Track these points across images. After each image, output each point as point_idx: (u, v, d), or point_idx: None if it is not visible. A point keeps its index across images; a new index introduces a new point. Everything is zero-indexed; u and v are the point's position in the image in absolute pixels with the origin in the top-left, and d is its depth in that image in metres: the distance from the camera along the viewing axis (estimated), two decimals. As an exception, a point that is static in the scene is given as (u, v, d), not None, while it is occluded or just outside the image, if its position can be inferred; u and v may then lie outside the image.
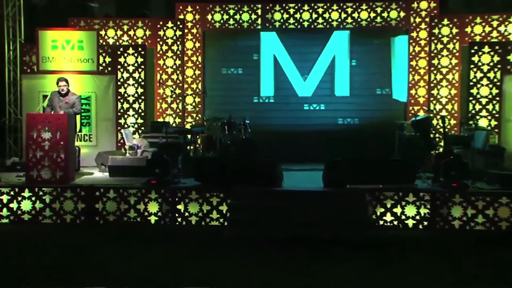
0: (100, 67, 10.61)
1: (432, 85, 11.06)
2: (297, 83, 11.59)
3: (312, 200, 7.57)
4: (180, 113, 11.41)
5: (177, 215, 7.76)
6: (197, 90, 11.72)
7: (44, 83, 10.44)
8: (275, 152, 9.99)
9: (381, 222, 7.61)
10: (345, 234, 6.95)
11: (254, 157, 9.24)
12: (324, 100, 11.54)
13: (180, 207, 7.76)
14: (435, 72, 11.03)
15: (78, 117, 9.68)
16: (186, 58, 11.67)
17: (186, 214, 7.75)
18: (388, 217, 7.63)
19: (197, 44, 11.76)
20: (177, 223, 7.74)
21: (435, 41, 11.00)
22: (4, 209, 7.82)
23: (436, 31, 10.98)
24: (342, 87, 11.50)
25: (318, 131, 11.30)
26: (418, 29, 11.27)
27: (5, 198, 7.81)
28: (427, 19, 11.19)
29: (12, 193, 7.81)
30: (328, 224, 7.11)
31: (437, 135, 10.71)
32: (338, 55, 11.47)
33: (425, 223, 7.60)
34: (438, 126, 10.76)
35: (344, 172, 7.81)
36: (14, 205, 7.81)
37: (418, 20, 11.30)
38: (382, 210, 7.63)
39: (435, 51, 11.01)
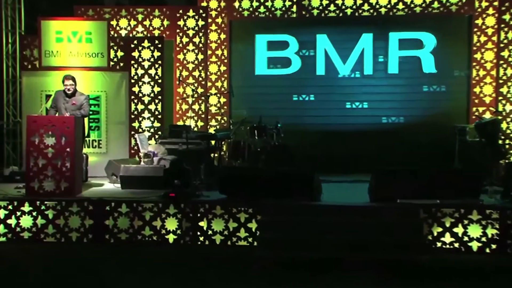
0: (111, 63, 10.76)
1: (501, 81, 10.88)
2: (344, 80, 11.76)
3: (355, 216, 7.50)
4: (203, 116, 11.49)
5: (199, 233, 7.78)
6: (222, 89, 11.78)
7: (47, 81, 10.62)
8: (313, 160, 9.98)
9: (439, 244, 7.49)
10: (395, 257, 6.86)
11: (288, 166, 9.20)
12: (372, 95, 11.63)
13: (203, 224, 7.78)
14: (505, 66, 10.84)
15: (86, 120, 9.84)
16: (209, 52, 11.76)
17: (210, 232, 7.77)
18: (448, 238, 7.51)
19: (223, 36, 11.83)
20: (199, 243, 7.75)
21: (506, 29, 10.81)
22: (1, 226, 7.94)
23: (507, 17, 10.79)
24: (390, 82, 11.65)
25: (361, 132, 11.37)
26: (484, 15, 11.11)
27: (1, 213, 7.93)
28: (495, 3, 11.02)
29: (10, 207, 7.95)
30: (375, 245, 7.03)
31: (507, 141, 10.52)
32: (380, 48, 11.60)
33: (493, 246, 7.44)
34: (508, 131, 10.57)
35: (395, 184, 7.72)
36: (12, 221, 7.94)
37: (484, 4, 11.14)
38: (440, 229, 7.51)
39: (506, 41, 10.82)
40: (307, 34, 11.69)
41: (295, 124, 11.21)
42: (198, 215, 7.78)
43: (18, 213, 7.91)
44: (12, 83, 11.61)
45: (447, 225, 7.51)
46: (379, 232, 7.21)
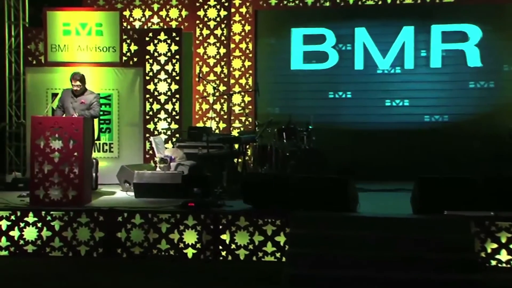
0: (124, 58, 10.82)
1: None
2: (384, 76, 11.78)
3: (397, 230, 7.39)
4: (225, 116, 11.49)
5: (220, 247, 7.75)
6: (247, 87, 11.77)
7: (53, 78, 10.74)
8: (348, 165, 9.97)
9: (494, 263, 7.35)
10: (442, 277, 6.76)
11: (321, 173, 9.14)
12: (414, 92, 11.65)
13: (225, 237, 7.75)
14: None
15: (96, 121, 9.87)
16: (233, 46, 11.77)
17: (233, 246, 7.73)
18: (504, 256, 7.36)
19: (247, 28, 11.84)
20: (221, 258, 7.72)
21: None
22: (3, 238, 7.98)
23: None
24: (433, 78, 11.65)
25: (402, 133, 11.38)
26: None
27: (4, 224, 7.98)
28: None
29: (12, 217, 7.99)
30: (419, 263, 6.93)
31: None
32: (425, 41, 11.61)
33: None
34: None
35: (441, 194, 7.61)
36: (15, 233, 7.97)
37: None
38: (495, 246, 7.36)
39: None
40: (345, 28, 11.72)
41: (328, 125, 11.23)
42: (220, 227, 7.75)
43: (22, 224, 7.95)
44: (15, 81, 11.73)
45: (503, 241, 7.36)
46: (424, 248, 7.10)
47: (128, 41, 10.88)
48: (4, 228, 7.97)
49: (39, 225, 7.93)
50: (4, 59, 11.74)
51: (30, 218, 7.95)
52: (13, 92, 11.69)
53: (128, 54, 10.88)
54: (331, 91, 11.86)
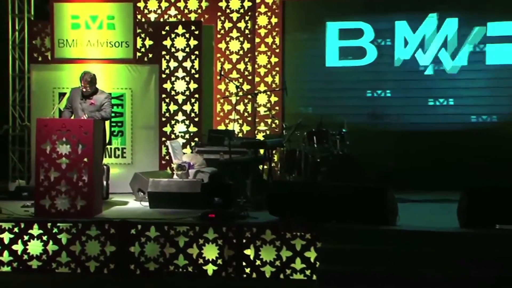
0: (138, 54, 10.86)
1: None
2: (426, 73, 11.76)
3: (442, 245, 7.32)
4: (249, 118, 11.47)
5: (244, 263, 7.72)
6: (273, 86, 11.74)
7: (61, 76, 10.80)
8: (386, 173, 10.00)
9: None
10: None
11: (356, 181, 9.08)
12: (459, 90, 11.62)
13: (249, 252, 7.71)
14: None
15: (107, 123, 9.91)
16: (258, 40, 11.76)
17: (258, 262, 7.70)
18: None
19: (274, 20, 11.82)
20: (245, 275, 7.68)
21: None
22: (5, 253, 8.00)
23: None
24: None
25: (446, 135, 11.30)
26: None
27: (6, 237, 8.00)
28: None
29: (16, 230, 8.02)
30: (467, 282, 6.84)
31: None
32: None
33: None
34: None
35: (492, 205, 7.50)
36: (18, 247, 8.00)
37: None
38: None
39: None
40: (384, 21, 11.69)
41: (364, 127, 11.17)
42: (244, 241, 7.72)
43: (26, 237, 7.98)
44: (19, 79, 11.82)
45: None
46: (474, 266, 7.00)
47: (143, 35, 10.92)
48: (6, 241, 7.99)
49: (44, 238, 7.95)
50: (7, 55, 11.84)
51: (35, 231, 7.97)
52: (16, 92, 11.78)
53: (143, 49, 10.91)
54: (369, 90, 11.79)
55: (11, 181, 11.20)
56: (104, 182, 9.61)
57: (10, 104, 11.75)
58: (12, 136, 11.82)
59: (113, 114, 10.01)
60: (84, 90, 9.11)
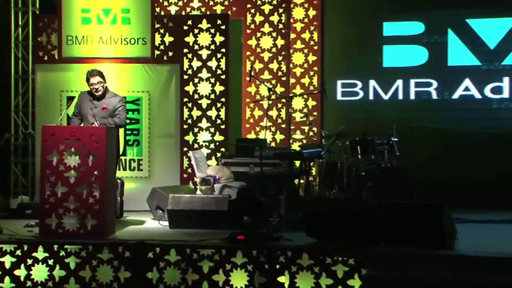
0: (157, 52, 10.93)
1: None
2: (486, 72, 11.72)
3: (508, 273, 7.24)
4: (283, 126, 11.46)
5: (277, 293, 7.72)
6: (311, 88, 11.72)
7: (69, 77, 10.90)
8: (442, 188, 9.91)
9: None
10: None
11: (406, 197, 9.03)
12: None
13: (283, 279, 7.69)
14: None
15: (121, 131, 9.98)
16: (293, 36, 11.76)
17: (293, 291, 7.70)
18: None
19: (312, 13, 11.81)
20: (278, 307, 7.69)
21: None
22: (6, 279, 8.04)
23: None
24: None
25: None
26: None
27: (7, 260, 8.04)
28: None
29: (18, 253, 8.05)
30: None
31: None
32: None
33: None
34: None
35: None
36: (21, 272, 8.03)
37: None
38: None
39: None
40: (438, 18, 11.68)
41: (417, 135, 11.11)
42: (277, 266, 7.70)
43: (29, 261, 8.02)
44: (22, 81, 11.90)
45: None
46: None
47: (162, 30, 10.98)
48: (7, 265, 8.04)
49: (50, 262, 7.99)
50: (9, 54, 11.90)
51: (40, 254, 8.02)
52: (19, 96, 11.85)
53: (162, 47, 10.98)
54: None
55: (13, 197, 11.25)
56: (118, 199, 9.66)
57: (12, 110, 11.80)
58: (14, 146, 11.88)
59: (128, 121, 10.07)
60: (94, 90, 9.13)
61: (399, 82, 11.77)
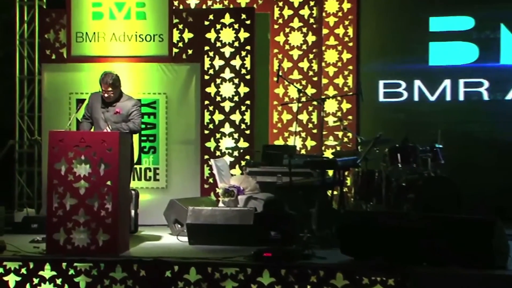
0: (175, 49, 10.97)
1: None
2: None
3: None
4: (315, 131, 11.45)
5: (308, 316, 7.71)
6: (346, 89, 11.71)
7: (79, 78, 10.98)
8: (492, 201, 9.93)
9: None
10: None
11: (453, 211, 8.99)
12: None
13: (315, 302, 7.70)
14: None
15: (136, 137, 10.00)
16: (326, 31, 11.76)
17: (326, 315, 7.67)
18: None
19: (347, 6, 11.82)
20: (309, 332, 7.68)
21: None
22: (11, 299, 8.15)
23: None
24: None
25: None
26: None
27: (11, 279, 8.04)
28: None
29: (23, 271, 8.06)
30: None
31: None
32: None
33: None
34: None
35: None
36: (27, 292, 8.16)
37: None
38: None
39: None
40: (489, 12, 11.64)
41: (465, 141, 11.07)
42: (308, 287, 7.70)
43: (35, 281, 8.03)
44: (28, 82, 11.96)
45: None
46: None
47: (181, 26, 11.01)
48: (12, 285, 8.05)
49: (58, 281, 8.00)
50: (14, 52, 11.96)
51: (47, 272, 8.03)
52: (24, 98, 11.92)
53: (180, 44, 11.01)
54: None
55: (17, 210, 11.32)
56: (132, 212, 9.69)
57: (17, 114, 11.86)
58: (19, 154, 11.95)
59: (143, 126, 10.12)
60: (106, 95, 9.15)
61: (446, 82, 11.79)
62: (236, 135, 10.98)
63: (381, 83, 11.99)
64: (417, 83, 11.89)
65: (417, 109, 11.84)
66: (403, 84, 11.95)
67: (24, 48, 11.95)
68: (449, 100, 11.81)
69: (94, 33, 10.87)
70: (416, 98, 11.91)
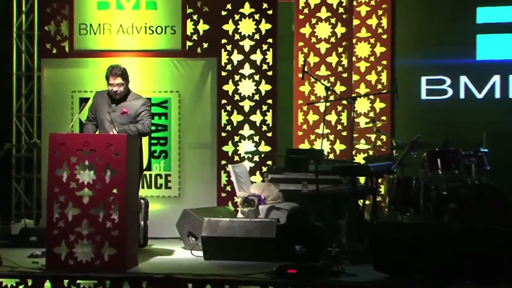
0: (188, 43, 11.00)
1: None
2: None
3: None
4: (345, 133, 11.44)
5: None
6: (379, 87, 11.69)
7: (82, 75, 11.05)
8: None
9: None
10: None
11: (500, 223, 8.96)
12: None
13: (345, 324, 7.70)
14: None
15: (145, 140, 10.02)
16: (357, 22, 11.76)
17: None
18: None
19: (379, -5, 11.81)
20: None
21: None
22: (8, 320, 8.18)
23: None
24: None
25: None
26: None
27: (8, 297, 8.19)
28: None
29: (21, 288, 8.20)
30: None
31: None
32: None
33: None
34: None
35: None
36: (25, 312, 8.18)
37: None
38: None
39: None
40: None
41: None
42: (338, 308, 7.71)
43: (34, 299, 8.14)
44: (26, 80, 11.98)
45: None
46: None
47: (195, 17, 11.04)
48: (8, 304, 8.16)
49: (59, 300, 8.08)
50: (10, 46, 11.97)
51: (47, 290, 8.12)
52: (22, 97, 11.95)
53: (195, 37, 11.03)
54: None
55: (14, 221, 11.34)
56: (141, 223, 9.70)
57: (14, 114, 11.87)
58: (16, 159, 11.96)
59: (153, 128, 10.13)
60: (114, 89, 9.15)
61: (496, 78, 11.77)
62: (256, 138, 10.99)
63: (423, 79, 11.95)
64: (463, 79, 11.86)
65: (462, 107, 11.80)
66: (448, 81, 11.91)
67: (22, 42, 11.98)
68: (498, 98, 11.80)
69: (99, 24, 10.92)
70: (462, 95, 11.88)
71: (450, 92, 11.94)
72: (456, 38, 11.87)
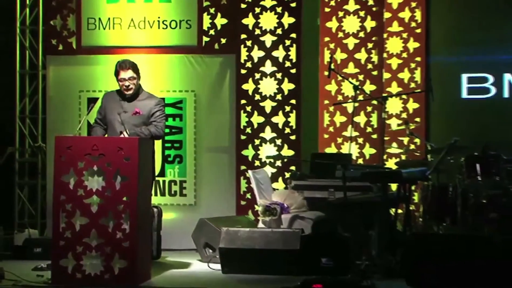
0: (205, 38, 11.00)
1: None
2: None
3: None
4: (375, 136, 11.42)
5: None
6: (412, 86, 11.66)
7: (90, 73, 11.10)
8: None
9: None
10: None
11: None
12: None
13: None
14: None
15: (158, 144, 10.02)
16: (388, 16, 11.73)
17: None
18: None
19: (414, -17, 11.80)
20: None
21: None
22: None
23: None
24: None
25: None
26: None
27: (11, 315, 8.21)
28: None
29: (24, 304, 8.21)
30: None
31: None
32: None
33: None
34: None
35: None
36: (29, 331, 8.20)
37: None
38: None
39: None
40: None
41: None
42: (370, 326, 7.69)
43: (39, 316, 8.15)
44: (30, 78, 12.01)
45: None
46: None
47: (212, 10, 11.04)
48: (11, 322, 8.18)
49: (66, 317, 8.09)
50: (14, 43, 11.99)
51: (52, 306, 8.13)
52: (26, 97, 11.97)
53: (212, 32, 11.04)
54: None
55: (17, 231, 11.35)
56: (154, 233, 9.70)
57: (17, 116, 11.88)
58: (20, 164, 11.97)
59: (167, 130, 10.13)
60: (126, 84, 9.12)
61: None
62: (279, 141, 10.98)
63: (464, 77, 11.90)
64: (508, 77, 11.81)
65: (506, 108, 11.75)
66: (491, 78, 11.86)
67: (26, 38, 12.00)
68: None
69: (109, 19, 10.96)
70: (506, 94, 11.83)
71: (493, 90, 11.88)
72: (499, 33, 11.82)
